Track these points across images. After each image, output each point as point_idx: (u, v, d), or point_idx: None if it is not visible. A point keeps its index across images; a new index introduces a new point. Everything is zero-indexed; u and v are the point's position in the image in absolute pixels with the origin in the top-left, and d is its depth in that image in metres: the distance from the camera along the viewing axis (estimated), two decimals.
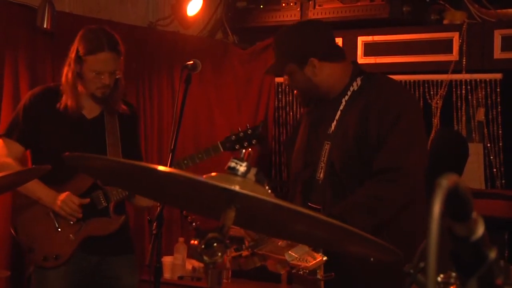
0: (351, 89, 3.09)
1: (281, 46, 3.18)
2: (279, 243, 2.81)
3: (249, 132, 3.75)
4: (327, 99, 3.16)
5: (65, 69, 3.62)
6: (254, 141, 3.76)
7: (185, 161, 3.73)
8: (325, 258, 2.63)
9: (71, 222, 3.61)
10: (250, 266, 2.87)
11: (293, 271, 2.70)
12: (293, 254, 2.68)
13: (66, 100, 3.61)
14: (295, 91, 3.26)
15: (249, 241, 2.90)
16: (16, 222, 3.69)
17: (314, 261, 2.65)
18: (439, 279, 1.05)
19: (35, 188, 3.58)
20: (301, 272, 2.65)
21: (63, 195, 3.56)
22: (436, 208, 0.80)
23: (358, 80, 3.10)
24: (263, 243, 2.89)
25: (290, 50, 3.12)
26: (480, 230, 1.03)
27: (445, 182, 0.85)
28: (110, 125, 3.71)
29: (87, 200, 3.61)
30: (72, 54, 3.60)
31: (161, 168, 1.45)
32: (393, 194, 2.90)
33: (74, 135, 3.65)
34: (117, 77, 3.62)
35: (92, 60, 3.55)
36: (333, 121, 3.06)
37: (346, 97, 3.08)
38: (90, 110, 3.70)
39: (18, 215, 3.69)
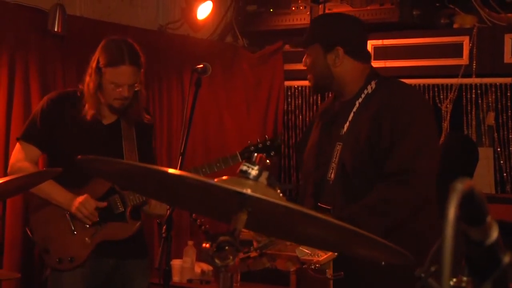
0: (365, 92, 3.09)
1: (317, 24, 3.26)
2: (286, 244, 2.81)
3: (267, 144, 3.75)
4: (339, 97, 3.18)
5: (87, 79, 3.61)
6: (272, 153, 3.76)
7: (203, 169, 3.74)
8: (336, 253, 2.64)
9: (87, 226, 3.62)
10: (259, 267, 2.87)
11: (304, 266, 2.70)
12: (304, 250, 2.68)
13: (88, 109, 3.61)
14: (308, 75, 3.23)
15: (258, 242, 2.90)
16: (32, 223, 3.69)
17: (326, 255, 2.65)
18: (451, 283, 1.05)
19: (52, 191, 3.59)
20: (312, 267, 2.65)
21: (81, 198, 3.57)
22: (451, 212, 0.80)
23: (373, 84, 3.11)
24: (272, 244, 2.89)
25: (322, 32, 3.16)
26: (495, 234, 1.03)
27: (460, 186, 0.85)
28: (127, 131, 3.72)
29: (104, 204, 3.62)
30: (93, 64, 3.59)
31: (173, 171, 1.46)
32: (403, 196, 2.91)
33: (91, 140, 3.65)
34: (136, 89, 3.62)
35: (112, 72, 3.54)
36: (345, 123, 3.07)
37: (360, 100, 3.08)
38: (108, 117, 3.71)
39: (34, 215, 3.70)
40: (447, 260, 0.78)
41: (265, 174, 1.49)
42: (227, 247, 1.41)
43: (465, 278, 1.12)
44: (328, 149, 3.09)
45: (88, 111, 3.60)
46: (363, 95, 3.08)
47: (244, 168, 1.49)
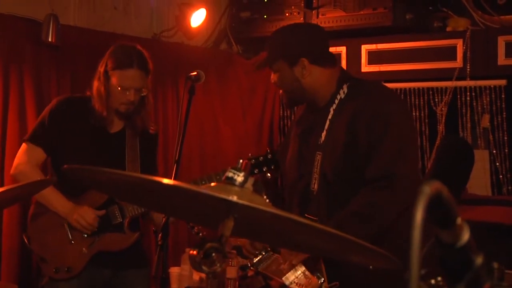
0: (338, 97, 3.04)
1: (275, 42, 3.14)
2: (280, 266, 2.84)
3: (269, 157, 3.72)
4: (313, 106, 3.12)
5: (95, 83, 3.62)
6: (273, 167, 3.73)
7: (203, 181, 3.72)
8: (321, 280, 2.67)
9: (85, 235, 3.62)
10: (256, 285, 2.90)
11: None
12: (290, 277, 2.71)
13: (98, 110, 3.61)
14: (280, 91, 3.20)
15: (251, 258, 2.92)
16: (30, 231, 3.69)
17: (309, 285, 2.67)
18: (433, 281, 1.06)
19: (52, 199, 3.59)
20: None
21: (80, 208, 3.57)
22: (419, 215, 0.81)
23: (345, 88, 3.06)
24: (266, 259, 2.90)
25: (283, 47, 3.08)
26: (466, 236, 1.03)
27: (427, 189, 0.86)
28: (131, 141, 3.71)
29: (103, 212, 3.62)
30: (101, 68, 3.60)
31: (161, 180, 1.46)
32: (387, 201, 2.87)
33: (95, 148, 3.65)
34: (143, 94, 3.62)
35: (119, 75, 3.55)
36: (322, 131, 3.02)
37: (334, 106, 3.03)
38: (114, 125, 3.71)
39: (33, 224, 3.69)
40: (415, 263, 0.79)
41: (251, 180, 1.49)
42: (214, 254, 1.42)
43: None
44: (309, 159, 3.05)
45: (99, 112, 3.60)
46: (336, 101, 3.03)
47: (230, 174, 1.50)
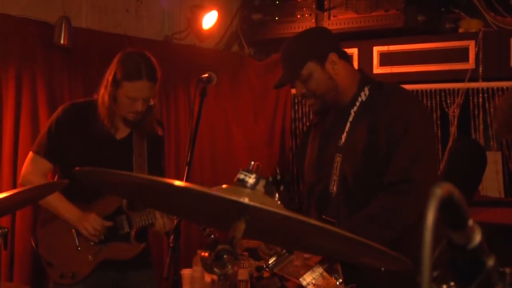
0: (359, 99, 3.02)
1: (296, 48, 3.06)
2: (295, 263, 2.82)
3: (278, 178, 3.70)
4: (338, 106, 3.08)
5: (102, 90, 3.59)
6: (281, 187, 3.71)
7: None
8: (338, 281, 2.65)
9: (92, 243, 3.63)
10: (272, 287, 2.89)
11: None
12: (307, 278, 2.70)
13: (103, 119, 3.61)
14: (308, 101, 3.12)
15: (267, 259, 2.91)
16: (38, 235, 3.70)
17: (327, 286, 2.66)
18: (444, 286, 1.06)
19: (60, 206, 3.59)
20: None
21: (89, 216, 3.58)
22: (430, 217, 0.80)
23: (366, 90, 3.03)
24: (282, 261, 2.89)
25: (309, 48, 3.03)
26: (477, 238, 1.03)
27: (439, 191, 0.85)
28: (138, 146, 3.70)
29: (110, 223, 3.63)
30: (110, 77, 3.56)
31: (172, 182, 1.46)
32: (404, 206, 2.84)
33: (102, 154, 3.64)
34: (150, 104, 3.61)
35: (128, 86, 3.52)
36: (343, 133, 3.00)
37: (355, 108, 3.01)
38: (121, 131, 3.70)
39: (41, 228, 3.70)
40: (427, 265, 0.78)
41: (262, 182, 1.49)
42: (225, 256, 1.42)
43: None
44: (328, 161, 3.03)
45: (103, 121, 3.61)
46: (357, 103, 3.01)
47: (242, 176, 1.49)
